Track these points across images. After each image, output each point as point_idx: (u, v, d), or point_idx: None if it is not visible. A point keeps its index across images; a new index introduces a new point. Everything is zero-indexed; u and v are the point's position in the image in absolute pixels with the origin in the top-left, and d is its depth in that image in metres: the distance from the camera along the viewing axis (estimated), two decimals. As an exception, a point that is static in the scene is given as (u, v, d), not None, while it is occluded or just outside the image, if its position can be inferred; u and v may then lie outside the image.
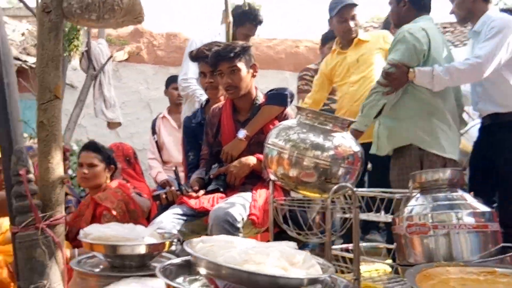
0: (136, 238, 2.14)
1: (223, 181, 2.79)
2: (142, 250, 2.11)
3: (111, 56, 4.76)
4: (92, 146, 3.33)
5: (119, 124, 5.00)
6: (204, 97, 3.70)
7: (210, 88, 3.30)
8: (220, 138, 2.94)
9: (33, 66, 6.64)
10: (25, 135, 4.98)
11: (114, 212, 3.02)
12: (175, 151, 4.29)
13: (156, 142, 4.41)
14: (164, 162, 4.41)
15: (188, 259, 1.52)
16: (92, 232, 2.20)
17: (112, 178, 3.45)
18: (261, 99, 2.91)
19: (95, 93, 4.91)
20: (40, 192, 1.22)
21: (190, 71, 4.16)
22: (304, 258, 1.25)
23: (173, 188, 2.89)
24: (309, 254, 1.30)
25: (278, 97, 2.87)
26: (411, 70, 2.83)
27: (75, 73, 6.36)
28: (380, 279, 2.15)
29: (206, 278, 1.32)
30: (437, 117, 2.90)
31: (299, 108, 2.17)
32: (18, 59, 6.18)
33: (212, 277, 1.26)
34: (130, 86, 6.74)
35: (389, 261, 2.32)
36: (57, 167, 1.23)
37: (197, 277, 1.50)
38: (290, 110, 2.92)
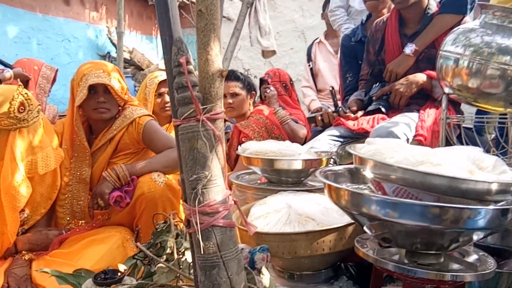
0: (293, 153, 2.10)
1: (385, 101, 2.56)
2: (298, 165, 2.07)
3: (266, -18, 4.65)
4: (232, 75, 3.25)
5: (274, 52, 4.95)
6: (349, 30, 3.49)
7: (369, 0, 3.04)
8: (383, 55, 2.68)
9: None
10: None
11: (253, 139, 3.02)
12: (331, 78, 4.12)
13: (311, 69, 4.28)
14: (318, 90, 4.29)
15: (350, 168, 1.40)
16: (250, 147, 2.22)
17: (264, 103, 3.45)
18: (434, 7, 2.54)
19: (250, 21, 4.90)
20: (200, 85, 1.18)
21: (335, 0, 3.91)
22: (495, 163, 1.03)
23: (329, 109, 2.77)
24: (501, 160, 1.07)
25: (455, 4, 2.46)
26: None
27: (231, 5, 6.46)
28: None
29: (372, 183, 1.18)
30: None
31: (483, 6, 1.82)
32: (180, -6, 6.48)
33: (379, 180, 1.12)
34: (285, 14, 6.61)
35: None
36: (216, 59, 1.17)
37: (360, 185, 1.38)
38: (470, 19, 2.50)
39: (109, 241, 1.97)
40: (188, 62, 1.15)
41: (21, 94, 1.75)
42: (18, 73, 3.01)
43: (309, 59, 4.29)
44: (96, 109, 2.10)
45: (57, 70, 3.47)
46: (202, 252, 1.07)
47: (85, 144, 2.13)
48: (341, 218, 1.61)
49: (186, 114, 1.13)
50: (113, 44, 5.84)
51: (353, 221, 1.49)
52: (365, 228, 1.17)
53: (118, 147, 2.17)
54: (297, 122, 3.47)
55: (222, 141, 1.17)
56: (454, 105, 2.32)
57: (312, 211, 1.67)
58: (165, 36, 1.21)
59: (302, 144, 3.33)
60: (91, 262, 1.83)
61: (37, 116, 1.83)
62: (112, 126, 2.16)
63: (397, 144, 1.20)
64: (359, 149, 1.22)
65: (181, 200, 2.35)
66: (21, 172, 1.80)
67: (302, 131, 3.39)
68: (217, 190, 1.13)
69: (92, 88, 2.08)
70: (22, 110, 1.76)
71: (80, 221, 2.15)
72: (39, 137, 1.85)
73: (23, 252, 1.90)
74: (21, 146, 1.81)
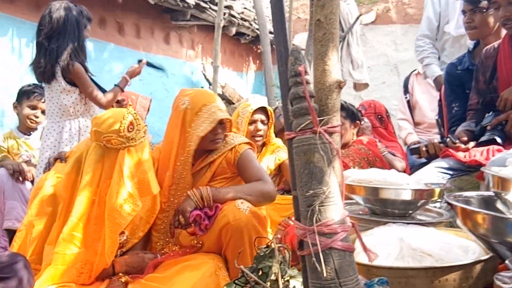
0: (401, 183, 1.94)
1: (500, 132, 2.33)
2: (407, 195, 1.90)
3: (360, 15, 4.62)
4: None
5: (366, 85, 4.85)
6: (433, 65, 3.49)
7: (469, 28, 2.87)
8: (495, 83, 2.49)
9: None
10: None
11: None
12: (429, 111, 3.90)
13: (408, 101, 4.08)
14: (415, 124, 4.07)
15: (483, 195, 1.23)
16: (351, 175, 2.09)
17: (359, 134, 3.32)
18: (554, 31, 2.34)
19: (342, 54, 4.87)
20: (316, 96, 1.11)
21: (423, 26, 3.76)
22: None
23: (435, 139, 2.58)
24: None
25: None
26: None
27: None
28: None
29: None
30: None
31: None
32: (271, 32, 6.63)
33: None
34: (377, 49, 6.50)
35: None
36: (334, 70, 1.10)
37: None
38: None
39: (202, 268, 1.92)
40: (305, 72, 1.09)
41: (131, 114, 1.80)
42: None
43: (405, 91, 4.10)
44: (213, 140, 2.13)
45: (151, 100, 3.64)
46: (319, 278, 0.96)
47: (188, 177, 2.12)
48: (465, 255, 1.42)
49: (302, 126, 1.06)
50: (207, 80, 6.06)
51: (481, 259, 1.31)
52: (507, 262, 0.99)
53: (216, 171, 2.16)
54: (394, 155, 3.29)
55: (339, 155, 1.08)
56: None
57: (428, 246, 1.49)
58: (280, 47, 1.17)
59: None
60: (184, 288, 1.78)
61: (143, 136, 1.87)
62: (213, 151, 2.17)
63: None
64: (497, 171, 1.06)
65: (269, 229, 2.27)
66: (127, 190, 1.82)
67: (401, 164, 3.19)
68: (335, 209, 1.03)
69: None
70: (131, 129, 1.81)
71: (174, 247, 2.14)
72: (147, 157, 1.89)
73: (120, 274, 1.90)
74: (129, 165, 1.85)
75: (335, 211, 1.02)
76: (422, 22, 3.87)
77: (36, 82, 2.99)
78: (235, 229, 1.92)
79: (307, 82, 1.08)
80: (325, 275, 0.91)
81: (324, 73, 1.11)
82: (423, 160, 2.81)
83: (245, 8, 6.46)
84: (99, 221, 1.83)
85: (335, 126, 1.09)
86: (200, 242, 2.11)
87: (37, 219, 1.86)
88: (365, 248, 1.06)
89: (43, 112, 3.13)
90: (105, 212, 1.81)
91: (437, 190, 1.91)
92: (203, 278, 1.85)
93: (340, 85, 1.12)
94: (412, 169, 3.19)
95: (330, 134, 1.08)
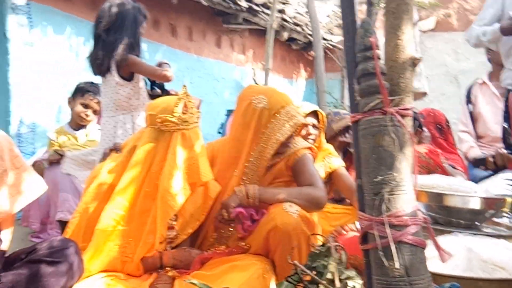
0: (468, 190, 1.78)
1: None
2: (475, 204, 1.73)
3: (419, 20, 4.41)
4: None
5: (425, 94, 4.61)
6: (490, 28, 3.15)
7: None
8: None
9: (336, 45, 6.93)
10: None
11: None
12: (493, 123, 3.65)
13: (471, 112, 3.83)
14: (478, 137, 3.81)
15: None
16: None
17: (419, 143, 3.15)
18: None
19: (400, 62, 4.68)
20: (387, 74, 0.99)
21: (481, 19, 3.48)
22: None
23: (501, 150, 2.39)
24: None
25: None
26: None
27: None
28: None
29: None
30: None
31: None
32: (324, 39, 6.51)
33: None
34: (436, 58, 6.23)
35: None
36: (408, 45, 0.99)
37: None
38: None
39: (250, 269, 1.85)
40: (376, 46, 0.97)
41: (186, 95, 1.80)
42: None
43: (468, 101, 3.86)
44: (286, 144, 2.06)
45: (201, 101, 3.59)
46: (386, 274, 0.84)
47: (257, 179, 2.05)
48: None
49: (371, 105, 0.95)
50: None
51: None
52: None
53: (276, 174, 2.10)
54: (454, 168, 3.08)
55: (413, 140, 0.96)
56: None
57: (501, 258, 1.34)
58: (347, 19, 1.06)
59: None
60: (231, 288, 1.72)
61: (196, 122, 1.84)
62: (277, 153, 2.10)
63: None
64: None
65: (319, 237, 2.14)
66: (180, 173, 1.81)
67: (462, 178, 2.99)
68: (406, 199, 0.90)
69: None
70: (185, 111, 1.80)
71: (221, 247, 2.08)
72: (200, 143, 1.85)
73: (167, 268, 1.89)
74: (182, 149, 1.82)
75: (406, 201, 0.90)
76: (475, 21, 3.60)
77: (93, 78, 3.02)
78: (282, 233, 1.84)
79: (378, 58, 0.97)
80: (397, 266, 0.79)
81: (397, 48, 1.00)
82: (486, 173, 2.62)
83: (297, 12, 6.39)
84: (146, 205, 1.83)
85: (408, 109, 0.97)
86: (248, 245, 2.04)
87: (91, 206, 1.87)
88: (438, 247, 0.92)
89: (94, 112, 3.18)
90: (158, 193, 1.80)
91: (509, 200, 1.73)
92: (250, 280, 1.79)
93: (414, 62, 1.00)
94: (474, 180, 2.98)
95: (402, 116, 0.96)
